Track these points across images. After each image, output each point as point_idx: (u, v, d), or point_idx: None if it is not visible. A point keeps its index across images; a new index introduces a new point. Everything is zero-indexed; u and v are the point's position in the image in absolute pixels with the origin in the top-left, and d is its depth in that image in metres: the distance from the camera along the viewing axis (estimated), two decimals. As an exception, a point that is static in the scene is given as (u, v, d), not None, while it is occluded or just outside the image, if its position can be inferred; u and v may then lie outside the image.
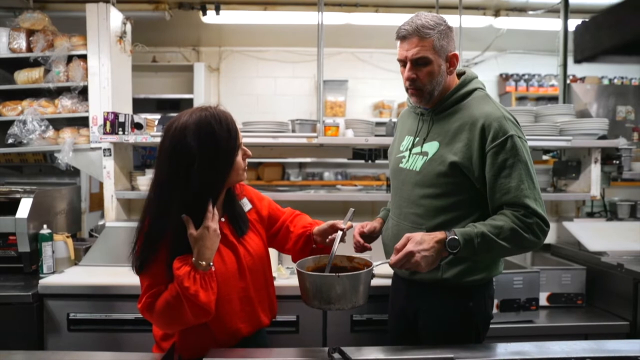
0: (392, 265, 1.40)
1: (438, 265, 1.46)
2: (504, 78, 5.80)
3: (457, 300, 1.59)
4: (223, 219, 1.49)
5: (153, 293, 1.36)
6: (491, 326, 2.19)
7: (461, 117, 1.55)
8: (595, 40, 0.57)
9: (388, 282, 1.83)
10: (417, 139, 1.65)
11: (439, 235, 1.40)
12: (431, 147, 1.58)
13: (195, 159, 1.33)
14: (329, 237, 1.57)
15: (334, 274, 1.36)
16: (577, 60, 0.60)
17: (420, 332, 1.65)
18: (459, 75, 1.65)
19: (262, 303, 1.55)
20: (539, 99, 5.71)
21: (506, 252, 1.48)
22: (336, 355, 1.32)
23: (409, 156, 1.65)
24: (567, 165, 2.92)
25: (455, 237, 1.39)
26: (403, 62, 1.57)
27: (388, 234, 1.73)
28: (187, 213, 1.35)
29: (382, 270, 1.50)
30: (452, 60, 1.55)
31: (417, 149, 1.63)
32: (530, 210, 1.43)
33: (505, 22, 4.51)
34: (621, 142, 2.86)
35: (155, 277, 1.37)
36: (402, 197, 1.67)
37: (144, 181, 2.75)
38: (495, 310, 2.19)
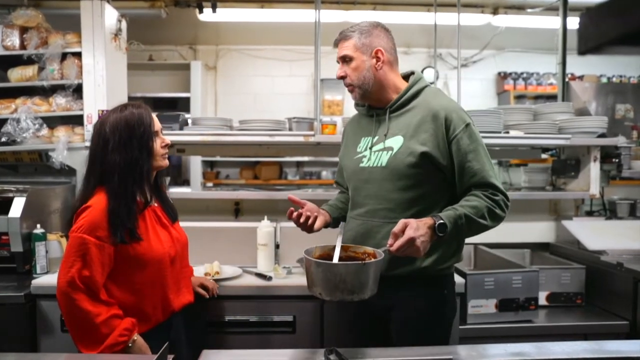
0: (393, 252, 1.40)
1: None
2: (503, 76, 5.78)
3: (433, 289, 1.66)
4: (156, 204, 1.71)
5: (90, 286, 1.50)
6: (490, 326, 2.19)
7: (421, 111, 1.65)
8: (600, 30, 0.55)
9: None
10: (377, 137, 1.71)
11: (429, 221, 1.47)
12: (395, 141, 1.66)
13: (109, 142, 1.60)
14: None
15: (359, 262, 1.37)
16: (581, 52, 0.58)
17: (391, 326, 1.67)
18: (407, 77, 1.76)
19: (186, 282, 1.80)
20: (538, 98, 5.69)
21: (482, 229, 1.57)
22: (332, 356, 1.30)
23: (370, 155, 1.70)
24: (566, 163, 2.91)
25: (443, 221, 1.47)
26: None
27: (352, 234, 1.71)
28: (104, 183, 1.58)
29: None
30: (378, 55, 1.67)
31: (379, 146, 1.69)
32: (496, 188, 1.58)
33: (504, 20, 4.48)
34: (620, 141, 2.85)
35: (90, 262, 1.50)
36: (367, 195, 1.70)
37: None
38: (494, 310, 2.18)
